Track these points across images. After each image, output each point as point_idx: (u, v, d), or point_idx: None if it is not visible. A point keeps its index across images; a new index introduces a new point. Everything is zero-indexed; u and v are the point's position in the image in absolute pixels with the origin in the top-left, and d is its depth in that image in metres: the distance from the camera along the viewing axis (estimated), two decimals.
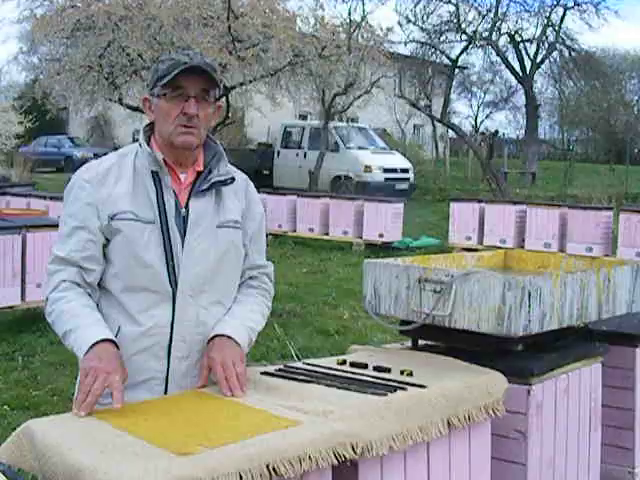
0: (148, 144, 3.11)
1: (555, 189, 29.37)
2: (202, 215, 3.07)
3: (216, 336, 3.03)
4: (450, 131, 35.78)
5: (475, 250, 14.81)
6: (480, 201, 17.88)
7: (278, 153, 29.66)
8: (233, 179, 3.18)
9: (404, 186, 27.20)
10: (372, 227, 17.72)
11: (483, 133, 45.37)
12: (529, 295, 3.20)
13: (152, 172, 3.05)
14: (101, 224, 3.00)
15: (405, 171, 28.09)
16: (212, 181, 3.11)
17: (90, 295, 3.03)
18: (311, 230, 18.66)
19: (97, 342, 2.80)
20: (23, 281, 10.00)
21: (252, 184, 3.35)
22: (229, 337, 3.02)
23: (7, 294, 9.83)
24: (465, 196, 22.21)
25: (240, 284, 3.26)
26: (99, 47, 22.16)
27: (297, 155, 28.99)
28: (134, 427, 2.49)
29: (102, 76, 22.89)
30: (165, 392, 3.04)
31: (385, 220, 17.62)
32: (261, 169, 27.62)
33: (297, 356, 7.91)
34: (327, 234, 18.54)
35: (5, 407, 7.36)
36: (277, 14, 22.57)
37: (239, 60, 21.31)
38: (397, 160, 28.60)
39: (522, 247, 15.98)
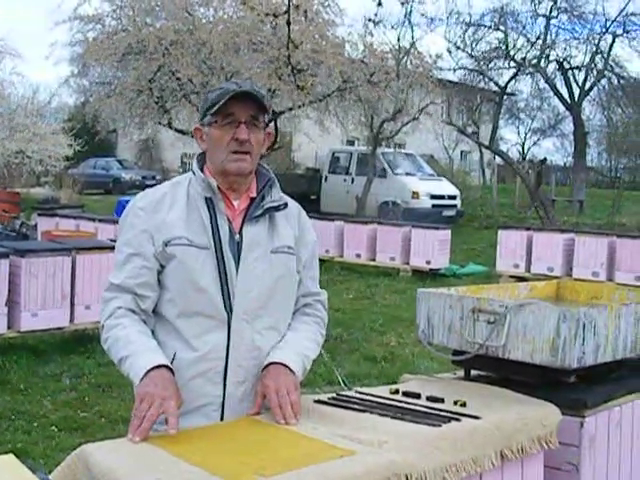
0: (202, 172, 3.15)
1: (603, 217, 29.16)
2: (256, 241, 3.08)
3: (271, 363, 3.03)
4: (498, 158, 35.65)
5: (522, 279, 14.77)
6: (528, 229, 17.77)
7: (326, 178, 29.65)
8: (286, 205, 3.21)
9: (451, 213, 27.12)
10: (419, 254, 17.72)
11: (531, 160, 45.13)
12: (584, 327, 3.17)
13: (206, 198, 3.08)
14: (156, 250, 3.02)
15: (452, 198, 27.98)
16: (265, 207, 3.13)
17: (145, 322, 3.05)
18: (358, 256, 18.67)
19: (152, 368, 2.81)
20: (72, 303, 10.12)
21: (304, 212, 3.38)
22: (284, 365, 3.02)
23: (56, 315, 9.93)
24: (513, 224, 22.09)
25: (294, 312, 3.27)
26: (149, 71, 22.41)
27: (345, 180, 28.97)
28: (189, 454, 2.48)
29: (152, 100, 23.14)
30: (221, 418, 3.04)
31: (432, 247, 17.61)
32: (308, 194, 27.61)
33: (344, 382, 7.88)
34: (374, 260, 18.54)
35: (53, 428, 7.43)
36: (326, 40, 22.61)
37: (291, 86, 21.37)
38: (444, 187, 28.49)
39: (570, 275, 15.86)
